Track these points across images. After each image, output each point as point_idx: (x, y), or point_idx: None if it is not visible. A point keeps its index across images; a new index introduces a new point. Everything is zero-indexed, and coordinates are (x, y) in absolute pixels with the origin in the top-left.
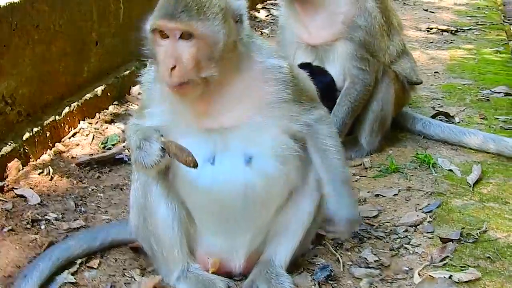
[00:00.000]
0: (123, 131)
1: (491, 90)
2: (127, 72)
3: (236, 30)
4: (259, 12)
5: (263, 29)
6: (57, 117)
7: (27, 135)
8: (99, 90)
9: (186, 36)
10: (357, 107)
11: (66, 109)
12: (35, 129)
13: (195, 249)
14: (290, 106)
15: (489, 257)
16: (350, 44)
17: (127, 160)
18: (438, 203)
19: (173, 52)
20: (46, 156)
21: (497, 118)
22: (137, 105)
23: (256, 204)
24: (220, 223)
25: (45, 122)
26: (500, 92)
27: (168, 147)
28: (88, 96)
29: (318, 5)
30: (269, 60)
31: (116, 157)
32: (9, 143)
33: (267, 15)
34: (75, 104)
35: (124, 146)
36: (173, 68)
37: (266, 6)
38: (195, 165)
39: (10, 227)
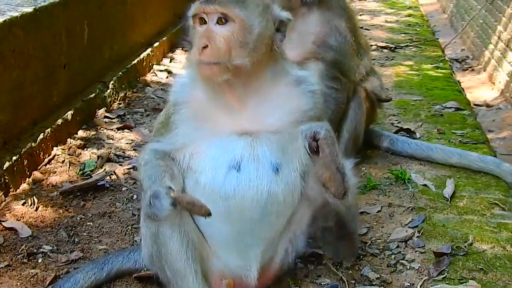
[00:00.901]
0: (99, 156)
1: (442, 106)
2: (93, 95)
3: (273, 33)
4: None
5: None
6: (32, 144)
7: (6, 164)
8: (69, 114)
9: (222, 20)
10: (331, 126)
11: (41, 136)
12: (14, 158)
13: (208, 273)
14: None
15: (481, 268)
16: (322, 64)
17: (108, 186)
18: (423, 218)
19: (207, 33)
20: (25, 185)
21: (454, 133)
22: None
23: (273, 215)
24: (234, 236)
25: (22, 150)
26: (451, 107)
27: (179, 202)
28: (59, 121)
29: (290, 27)
30: (299, 72)
31: (98, 183)
32: None
33: None
34: (48, 130)
35: (106, 172)
36: (205, 47)
37: None
38: (209, 214)
39: (6, 263)
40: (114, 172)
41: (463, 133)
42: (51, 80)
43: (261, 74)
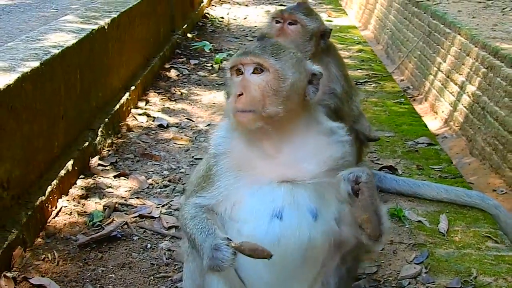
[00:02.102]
0: (105, 206)
1: (414, 141)
2: (86, 143)
3: (306, 84)
4: (169, 72)
5: (180, 88)
6: (42, 198)
7: (24, 219)
8: (69, 165)
9: (258, 70)
10: None
11: (49, 188)
12: (29, 213)
13: None
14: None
15: None
16: (324, 110)
17: (120, 236)
18: (426, 254)
19: (243, 82)
20: (40, 240)
21: (432, 168)
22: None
23: (312, 260)
24: (274, 282)
25: (35, 204)
26: (424, 143)
27: (242, 250)
28: (62, 172)
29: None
30: (331, 123)
31: (111, 235)
32: (12, 231)
33: (178, 74)
34: (54, 182)
35: (118, 223)
36: (241, 95)
37: (173, 65)
38: (271, 256)
39: None
40: (126, 222)
41: (441, 168)
42: (53, 131)
43: (294, 123)
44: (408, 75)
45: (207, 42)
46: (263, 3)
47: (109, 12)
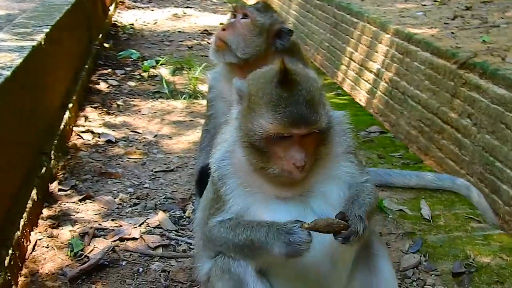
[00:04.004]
0: (82, 234)
1: (366, 131)
2: (43, 169)
3: None
4: (99, 85)
5: (115, 100)
6: (18, 233)
7: (6, 259)
8: (33, 194)
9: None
10: None
11: (21, 222)
12: (10, 251)
13: None
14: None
15: (497, 281)
16: None
17: (107, 263)
18: (420, 243)
19: (301, 150)
20: (23, 279)
21: (393, 156)
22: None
23: (341, 266)
24: None
25: (13, 241)
26: (376, 132)
27: (317, 228)
28: (29, 203)
29: None
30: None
31: (99, 263)
32: None
33: (108, 86)
34: (24, 215)
35: (95, 248)
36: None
37: (101, 78)
38: (348, 227)
39: None
40: (113, 248)
41: (400, 155)
42: (12, 160)
43: None
44: (317, 67)
45: (134, 50)
46: (167, 6)
47: (40, 27)
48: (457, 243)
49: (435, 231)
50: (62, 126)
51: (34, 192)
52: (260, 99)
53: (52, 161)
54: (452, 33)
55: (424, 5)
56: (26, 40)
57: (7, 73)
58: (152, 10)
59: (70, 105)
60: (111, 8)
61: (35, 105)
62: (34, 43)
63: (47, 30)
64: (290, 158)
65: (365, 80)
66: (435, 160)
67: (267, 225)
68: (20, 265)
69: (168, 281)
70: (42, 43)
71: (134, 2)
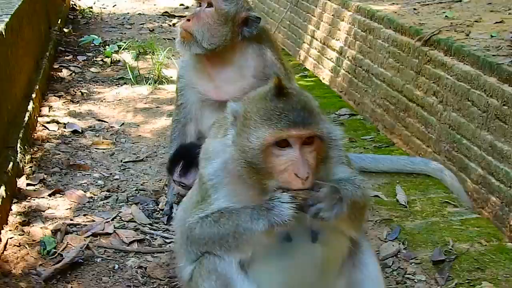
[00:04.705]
0: (54, 231)
1: (336, 114)
2: (10, 164)
3: None
4: (61, 72)
5: (79, 87)
6: None
7: None
8: (2, 191)
9: (308, 140)
10: None
11: None
12: None
13: None
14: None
15: (478, 268)
16: None
17: (81, 261)
18: (398, 230)
19: (303, 161)
20: None
21: (364, 139)
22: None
23: (324, 273)
24: None
25: None
26: (345, 114)
27: (296, 197)
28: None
29: (228, 60)
30: None
31: (74, 261)
32: None
33: (70, 74)
34: None
35: (69, 246)
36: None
37: (62, 65)
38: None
39: None
40: (87, 245)
41: (372, 138)
42: None
43: None
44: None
45: (96, 36)
46: None
47: None
48: (435, 229)
49: (412, 217)
50: (26, 118)
51: (2, 189)
52: (255, 114)
53: (18, 155)
54: (415, 9)
55: None
56: None
57: None
58: None
59: (34, 95)
60: None
61: (2, 100)
62: None
63: (6, 19)
64: (292, 169)
65: (328, 59)
66: (401, 138)
67: (250, 207)
68: None
69: (145, 277)
70: (3, 33)
71: None
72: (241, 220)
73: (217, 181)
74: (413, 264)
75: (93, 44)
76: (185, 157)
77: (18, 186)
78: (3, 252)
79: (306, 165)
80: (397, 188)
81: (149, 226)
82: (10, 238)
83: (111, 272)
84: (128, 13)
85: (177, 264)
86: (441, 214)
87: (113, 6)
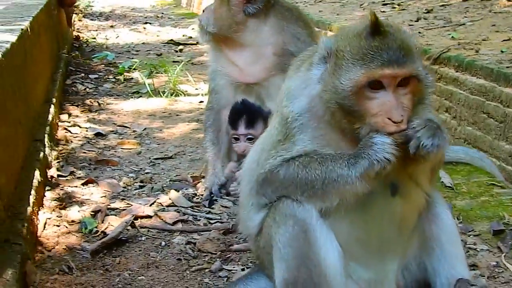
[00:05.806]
0: (94, 212)
1: None
2: (41, 154)
3: None
4: (75, 87)
5: (95, 99)
6: (29, 208)
7: (24, 232)
8: (37, 175)
9: (404, 82)
10: None
11: (31, 199)
12: (25, 224)
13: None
14: None
15: None
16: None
17: (125, 239)
18: (450, 207)
19: (397, 104)
20: (39, 254)
21: None
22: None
23: (401, 228)
24: (375, 252)
25: (26, 215)
26: None
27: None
28: (35, 182)
29: (242, 41)
30: None
31: (119, 237)
32: (19, 243)
33: (84, 88)
34: (32, 192)
35: (110, 226)
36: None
37: (75, 81)
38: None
39: None
40: (132, 222)
41: None
42: (15, 138)
43: None
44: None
45: (108, 52)
46: (126, 23)
47: (21, 18)
48: (487, 206)
49: (461, 197)
50: (50, 118)
51: (38, 173)
52: (348, 53)
53: (46, 149)
54: (419, 32)
55: (383, 11)
56: (14, 25)
57: (7, 46)
58: (112, 27)
59: (54, 100)
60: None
61: (27, 91)
62: (19, 33)
63: (30, 19)
64: (386, 114)
65: None
66: None
67: (345, 153)
68: (34, 241)
69: (195, 251)
70: (29, 31)
71: (92, 20)
72: (336, 166)
73: (303, 122)
74: (471, 236)
75: (105, 62)
76: (246, 112)
77: (50, 175)
78: (42, 231)
79: (400, 108)
80: (440, 173)
81: (191, 209)
82: (48, 218)
83: (159, 248)
84: (133, 42)
85: (241, 219)
86: (490, 194)
87: (116, 37)
